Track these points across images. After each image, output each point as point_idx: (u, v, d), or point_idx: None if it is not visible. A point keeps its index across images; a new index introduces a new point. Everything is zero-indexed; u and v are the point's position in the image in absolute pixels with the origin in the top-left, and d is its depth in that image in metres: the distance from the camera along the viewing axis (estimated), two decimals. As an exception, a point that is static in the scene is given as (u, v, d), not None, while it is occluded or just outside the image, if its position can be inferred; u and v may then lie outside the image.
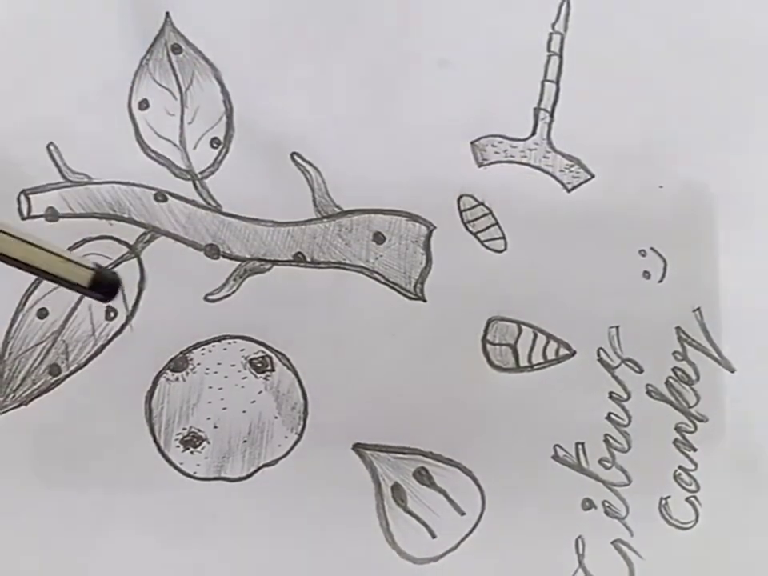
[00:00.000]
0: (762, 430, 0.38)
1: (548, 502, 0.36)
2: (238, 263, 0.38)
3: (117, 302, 0.37)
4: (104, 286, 0.29)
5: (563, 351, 0.38)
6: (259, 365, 0.37)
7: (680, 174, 0.39)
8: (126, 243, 0.37)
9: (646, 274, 0.38)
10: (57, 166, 0.38)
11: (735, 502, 0.37)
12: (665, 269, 0.38)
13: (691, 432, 0.37)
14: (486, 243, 0.38)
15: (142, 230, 0.38)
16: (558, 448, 0.37)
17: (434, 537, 0.36)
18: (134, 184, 0.38)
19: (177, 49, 0.39)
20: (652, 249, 0.38)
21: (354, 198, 0.38)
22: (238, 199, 0.38)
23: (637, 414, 0.37)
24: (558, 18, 0.40)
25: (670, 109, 0.40)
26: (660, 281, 0.38)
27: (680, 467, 0.37)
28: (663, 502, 0.37)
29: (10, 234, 0.27)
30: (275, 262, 0.38)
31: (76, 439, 0.36)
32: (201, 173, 0.38)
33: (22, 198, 0.37)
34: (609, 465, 0.37)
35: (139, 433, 0.36)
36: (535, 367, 0.37)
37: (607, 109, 0.39)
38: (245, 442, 0.36)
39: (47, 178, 0.38)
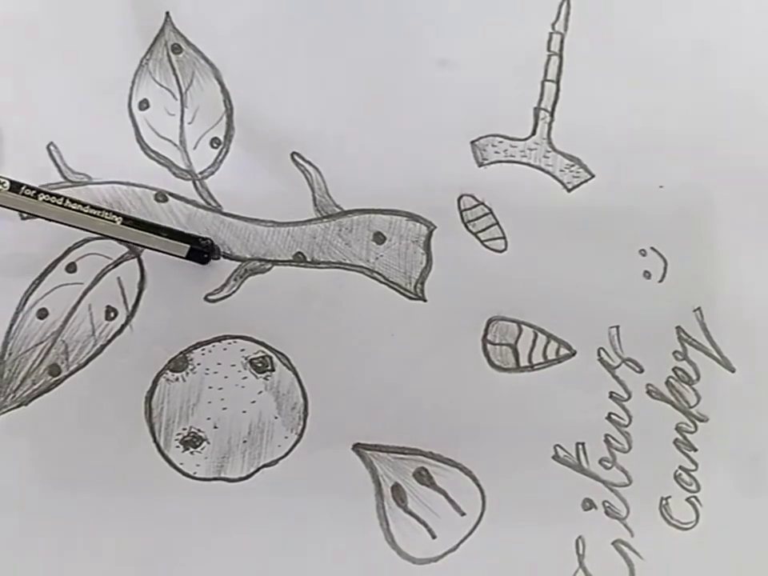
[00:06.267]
0: (762, 429, 0.37)
1: (548, 502, 0.36)
2: (239, 263, 0.38)
3: (117, 303, 0.37)
4: (200, 255, 0.36)
5: (563, 351, 0.38)
6: (259, 365, 0.37)
7: (680, 173, 0.39)
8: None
9: (647, 274, 0.38)
10: (57, 166, 0.38)
11: (735, 502, 0.37)
12: (665, 268, 0.38)
13: (692, 432, 0.37)
14: (486, 243, 0.38)
15: (142, 230, 0.38)
16: (558, 448, 0.37)
17: (434, 537, 0.36)
18: (134, 184, 0.38)
19: (177, 49, 0.40)
20: (652, 248, 0.38)
21: (354, 198, 0.38)
22: (238, 199, 0.38)
23: (637, 414, 0.37)
24: (557, 17, 0.40)
25: (670, 109, 0.40)
26: (660, 280, 0.38)
27: (680, 467, 0.37)
28: (664, 502, 0.37)
29: (117, 215, 0.35)
30: (275, 262, 0.38)
31: (76, 439, 0.36)
32: (201, 173, 0.38)
33: (22, 198, 0.37)
34: (609, 465, 0.37)
35: (139, 433, 0.36)
36: (535, 367, 0.37)
37: (607, 109, 0.39)
38: (245, 442, 0.36)
39: (47, 178, 0.38)
